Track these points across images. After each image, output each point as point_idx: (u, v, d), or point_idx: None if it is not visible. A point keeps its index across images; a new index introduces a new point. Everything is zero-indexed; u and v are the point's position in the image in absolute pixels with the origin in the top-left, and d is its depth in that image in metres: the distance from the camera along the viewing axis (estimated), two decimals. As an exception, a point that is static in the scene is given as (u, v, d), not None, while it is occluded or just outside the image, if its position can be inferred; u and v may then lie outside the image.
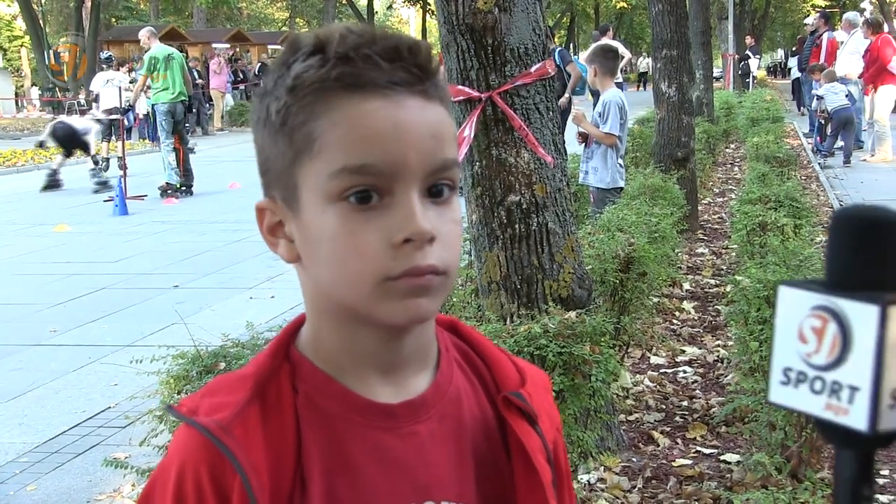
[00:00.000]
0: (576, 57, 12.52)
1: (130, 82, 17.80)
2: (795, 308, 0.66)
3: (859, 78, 13.97)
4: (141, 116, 22.02)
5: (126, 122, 16.87)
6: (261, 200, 0.89)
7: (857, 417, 0.62)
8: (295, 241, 0.87)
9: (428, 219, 0.82)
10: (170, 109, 12.38)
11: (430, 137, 0.83)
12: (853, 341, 0.63)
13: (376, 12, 47.19)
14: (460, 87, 3.44)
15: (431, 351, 0.93)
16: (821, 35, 16.46)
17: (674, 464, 3.67)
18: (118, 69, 17.76)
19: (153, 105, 12.58)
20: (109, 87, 15.57)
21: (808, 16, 26.78)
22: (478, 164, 3.50)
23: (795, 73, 20.89)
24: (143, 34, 12.87)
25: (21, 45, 46.20)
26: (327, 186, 0.82)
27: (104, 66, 17.75)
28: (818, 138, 14.01)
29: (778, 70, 44.92)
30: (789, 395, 0.67)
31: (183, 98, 12.62)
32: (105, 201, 11.87)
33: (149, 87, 12.69)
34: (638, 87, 28.59)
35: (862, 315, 0.62)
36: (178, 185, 12.68)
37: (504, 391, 0.94)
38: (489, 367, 0.97)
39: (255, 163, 0.91)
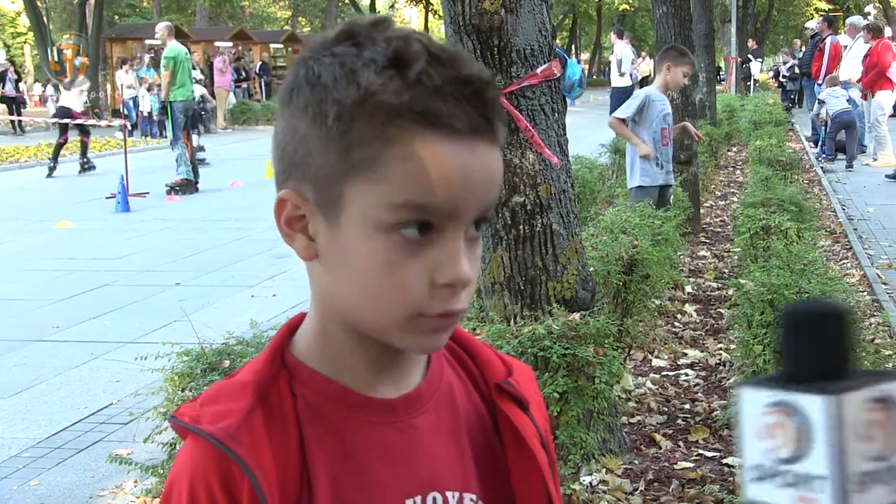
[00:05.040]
0: (573, 60, 12.45)
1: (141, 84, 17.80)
2: (755, 406, 0.69)
3: (857, 82, 13.97)
4: (144, 114, 22.03)
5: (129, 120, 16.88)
6: (284, 191, 0.85)
7: None
8: (318, 244, 0.85)
9: (468, 262, 0.83)
10: (185, 107, 12.46)
11: (490, 184, 0.84)
12: (812, 432, 0.65)
13: (378, 12, 47.17)
14: (466, 87, 3.44)
15: None
16: (823, 39, 16.46)
17: (676, 466, 3.67)
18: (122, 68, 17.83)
19: (171, 102, 12.57)
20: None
21: (811, 19, 26.75)
22: (483, 164, 3.49)
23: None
24: (161, 28, 12.87)
25: (24, 42, 46.25)
26: (382, 215, 0.80)
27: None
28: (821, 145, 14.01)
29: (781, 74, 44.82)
30: (764, 492, 0.69)
31: (193, 96, 12.94)
32: (107, 198, 11.88)
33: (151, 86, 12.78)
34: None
35: (816, 406, 0.65)
36: (194, 180, 12.79)
37: (492, 382, 0.96)
38: (475, 361, 0.98)
39: (275, 143, 0.86)
